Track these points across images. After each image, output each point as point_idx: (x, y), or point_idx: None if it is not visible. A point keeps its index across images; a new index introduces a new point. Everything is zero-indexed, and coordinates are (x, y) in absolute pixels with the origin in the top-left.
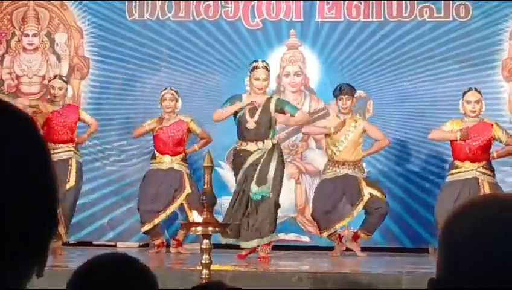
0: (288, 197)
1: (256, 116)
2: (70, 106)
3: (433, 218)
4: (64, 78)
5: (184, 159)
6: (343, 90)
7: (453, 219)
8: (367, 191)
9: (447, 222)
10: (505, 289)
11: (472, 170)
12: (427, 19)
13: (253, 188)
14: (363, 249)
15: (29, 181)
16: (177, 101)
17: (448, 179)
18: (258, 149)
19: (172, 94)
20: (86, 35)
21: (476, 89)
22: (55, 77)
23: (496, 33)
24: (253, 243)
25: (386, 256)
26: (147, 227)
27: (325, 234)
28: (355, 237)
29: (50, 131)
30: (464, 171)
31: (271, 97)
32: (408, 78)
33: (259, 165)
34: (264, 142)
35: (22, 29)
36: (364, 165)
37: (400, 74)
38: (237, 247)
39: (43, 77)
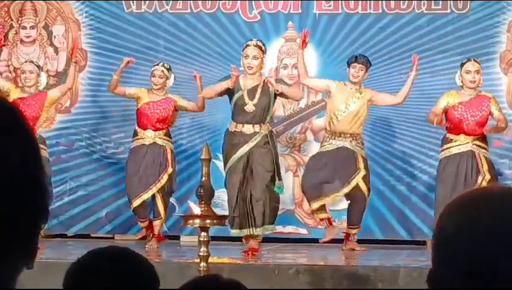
0: (286, 190)
1: (256, 99)
2: (38, 94)
3: (431, 210)
4: (36, 62)
5: (168, 134)
6: (358, 58)
7: (448, 213)
8: (363, 169)
9: (442, 215)
10: (503, 282)
11: (468, 143)
12: (424, 11)
13: (277, 180)
14: (361, 241)
15: (17, 180)
16: (167, 78)
17: (442, 155)
18: (255, 132)
19: (162, 71)
20: (84, 28)
21: (475, 60)
22: (26, 60)
23: (493, 25)
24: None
25: (384, 249)
26: (136, 202)
27: (314, 205)
28: (347, 237)
29: None
30: (459, 145)
31: (268, 77)
32: (406, 70)
33: (267, 154)
34: (261, 126)
35: (19, 22)
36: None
37: (398, 66)
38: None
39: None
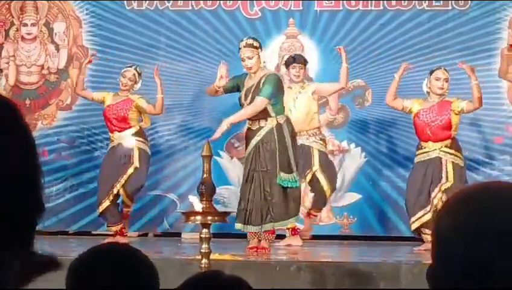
0: None
1: (249, 98)
2: None
3: None
4: None
5: (138, 134)
6: (296, 59)
7: (444, 213)
8: (317, 164)
9: (439, 215)
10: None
11: (435, 149)
12: (425, 8)
13: (281, 174)
14: (362, 238)
15: (17, 180)
16: (135, 82)
17: (415, 160)
18: (260, 127)
19: (134, 74)
20: (85, 25)
21: (445, 69)
22: None
23: (494, 22)
24: (267, 226)
25: (385, 245)
26: (100, 208)
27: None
28: (309, 216)
29: None
30: (428, 152)
31: (265, 74)
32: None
33: (271, 148)
34: (266, 120)
35: (20, 19)
36: (325, 137)
37: (399, 63)
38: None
39: (42, 67)
